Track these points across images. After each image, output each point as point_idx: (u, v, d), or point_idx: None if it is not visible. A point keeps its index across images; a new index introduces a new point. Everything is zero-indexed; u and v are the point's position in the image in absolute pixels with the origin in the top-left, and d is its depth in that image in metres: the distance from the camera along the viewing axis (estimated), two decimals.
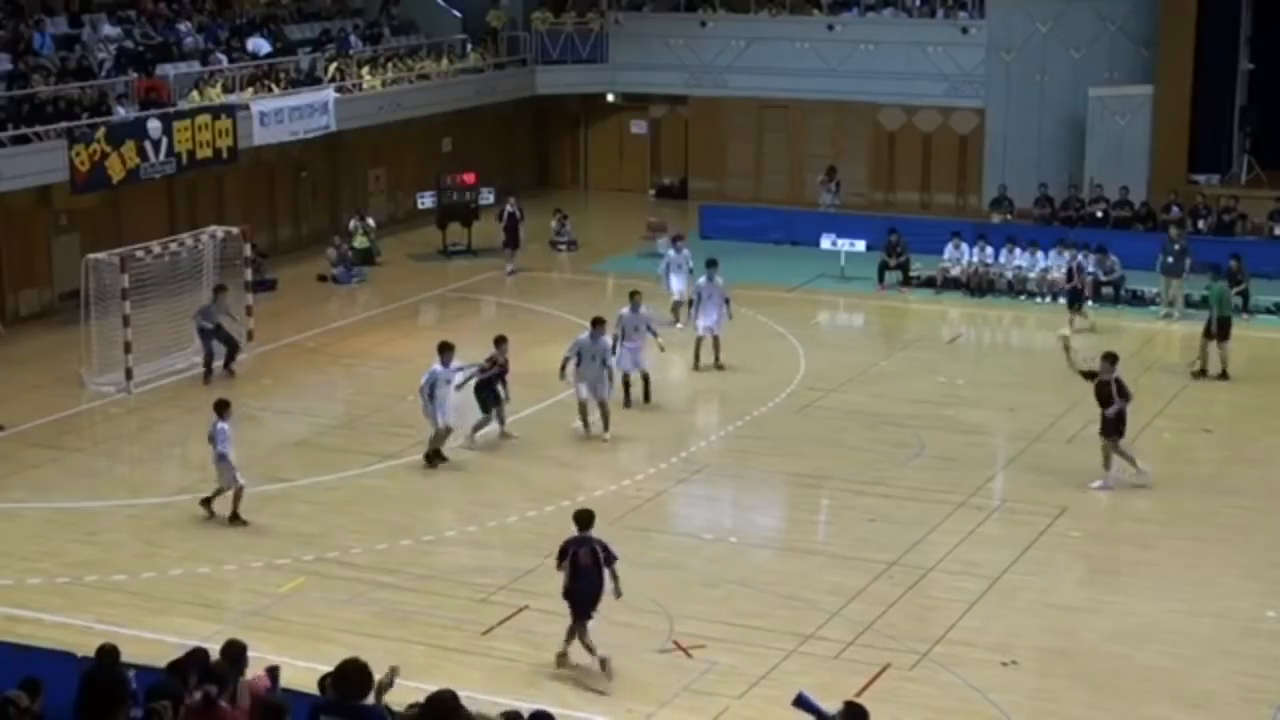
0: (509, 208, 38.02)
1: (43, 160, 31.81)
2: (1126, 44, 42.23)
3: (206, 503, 22.41)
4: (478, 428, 25.68)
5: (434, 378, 24.55)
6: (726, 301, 29.84)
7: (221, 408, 22.31)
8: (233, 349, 29.56)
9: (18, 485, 24.10)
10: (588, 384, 25.78)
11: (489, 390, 25.58)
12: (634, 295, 27.98)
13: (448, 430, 24.75)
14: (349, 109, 39.71)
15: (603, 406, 25.96)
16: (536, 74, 47.33)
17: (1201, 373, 29.51)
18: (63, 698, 13.19)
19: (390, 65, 43.13)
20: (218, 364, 29.27)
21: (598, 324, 26.11)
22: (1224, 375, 29.40)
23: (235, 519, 22.15)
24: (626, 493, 23.74)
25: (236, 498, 22.17)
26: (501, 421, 25.80)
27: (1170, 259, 33.72)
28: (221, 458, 22.06)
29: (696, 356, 29.93)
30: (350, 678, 11.85)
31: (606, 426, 25.96)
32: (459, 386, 25.14)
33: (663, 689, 17.47)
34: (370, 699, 12.20)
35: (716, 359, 29.85)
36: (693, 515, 23.41)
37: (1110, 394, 23.58)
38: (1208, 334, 29.65)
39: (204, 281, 30.55)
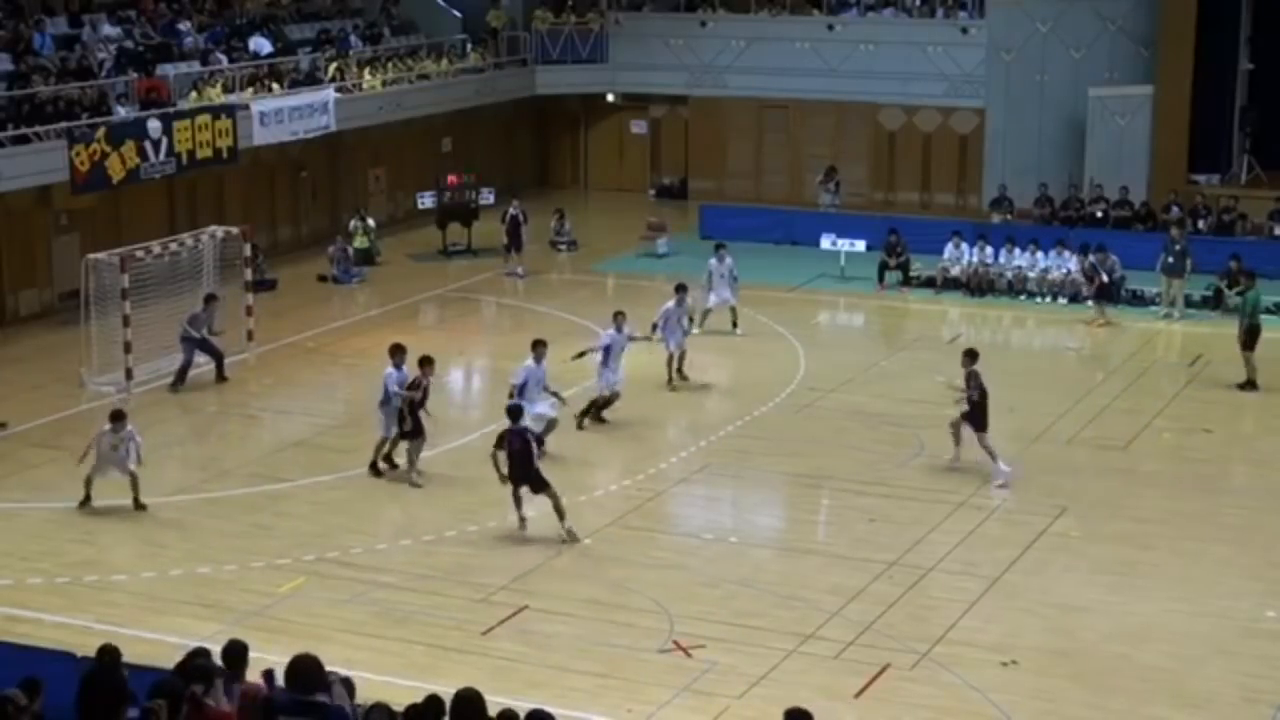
0: (512, 210, 37.93)
1: (43, 160, 31.82)
2: (1126, 44, 42.24)
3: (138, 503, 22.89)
4: (413, 462, 24.17)
5: (389, 380, 24.01)
6: (690, 319, 29.64)
7: (118, 417, 23.06)
8: (219, 359, 29.36)
9: (18, 485, 24.10)
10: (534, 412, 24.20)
11: (413, 418, 23.92)
12: (618, 316, 26.98)
13: (384, 441, 24.23)
14: (349, 109, 39.72)
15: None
16: (536, 74, 47.34)
17: (1249, 384, 28.81)
18: (63, 698, 13.18)
19: (390, 65, 43.14)
20: (200, 374, 29.20)
21: (538, 346, 24.74)
22: (1251, 385, 28.81)
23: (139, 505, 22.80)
24: (627, 492, 23.73)
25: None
26: (412, 461, 24.07)
27: (1171, 259, 33.70)
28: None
29: (670, 375, 28.86)
30: (304, 673, 11.63)
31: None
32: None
33: (663, 689, 17.47)
34: (326, 697, 12.03)
35: (681, 372, 29.02)
36: (693, 515, 23.40)
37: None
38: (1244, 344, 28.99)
39: (204, 282, 30.56)
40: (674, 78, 46.95)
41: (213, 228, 31.58)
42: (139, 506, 22.75)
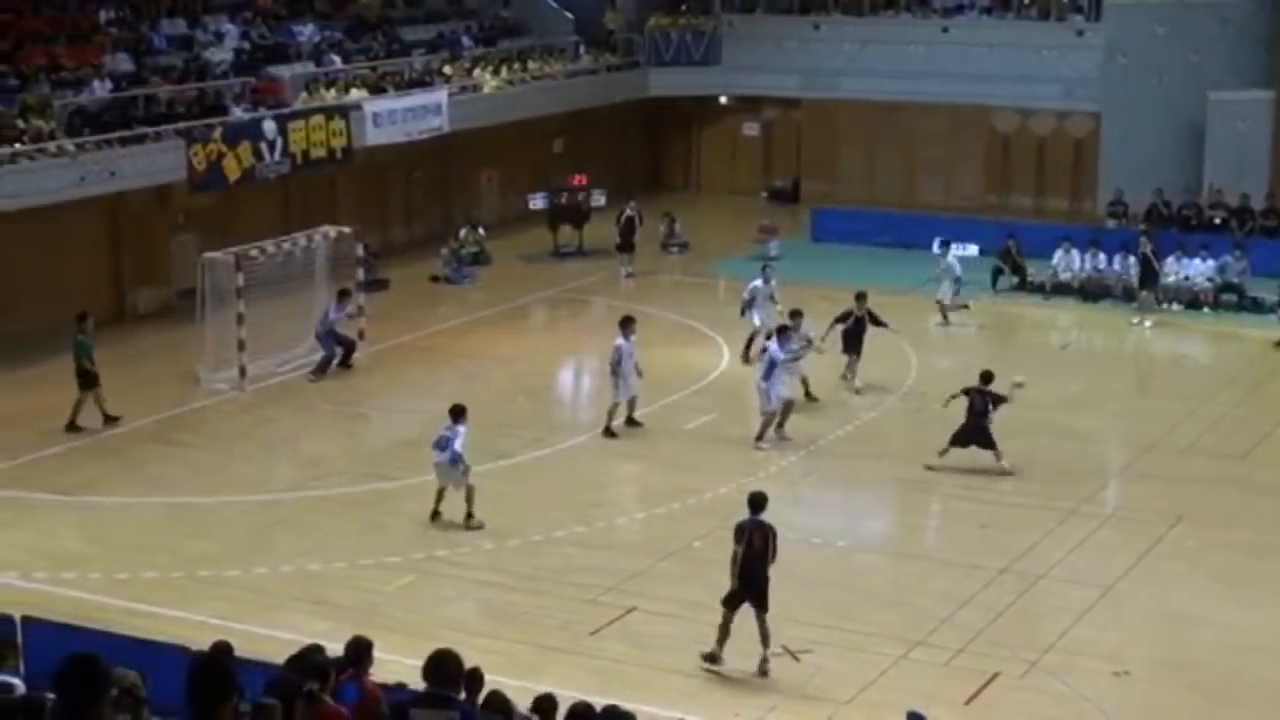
0: (629, 211, 37.95)
1: (161, 159, 32.26)
2: (1247, 46, 41.55)
3: (436, 515, 22.42)
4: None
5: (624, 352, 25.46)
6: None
7: (458, 413, 22.23)
8: (349, 348, 29.91)
9: (134, 480, 24.44)
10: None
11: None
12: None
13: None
14: (462, 110, 39.93)
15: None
16: (649, 76, 47.36)
17: None
18: (176, 691, 13.31)
19: (504, 67, 43.32)
20: (335, 362, 29.75)
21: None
22: None
23: (469, 518, 22.18)
24: (734, 496, 23.59)
25: (468, 498, 22.22)
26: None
27: None
28: (455, 460, 22.07)
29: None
30: (443, 668, 11.67)
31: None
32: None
33: (769, 693, 17.40)
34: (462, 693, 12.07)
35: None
36: (801, 519, 23.18)
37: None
38: None
39: (316, 281, 30.83)
40: (786, 80, 46.80)
41: (325, 227, 31.85)
42: (469, 519, 22.22)
